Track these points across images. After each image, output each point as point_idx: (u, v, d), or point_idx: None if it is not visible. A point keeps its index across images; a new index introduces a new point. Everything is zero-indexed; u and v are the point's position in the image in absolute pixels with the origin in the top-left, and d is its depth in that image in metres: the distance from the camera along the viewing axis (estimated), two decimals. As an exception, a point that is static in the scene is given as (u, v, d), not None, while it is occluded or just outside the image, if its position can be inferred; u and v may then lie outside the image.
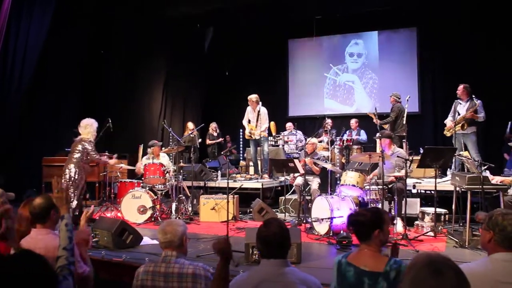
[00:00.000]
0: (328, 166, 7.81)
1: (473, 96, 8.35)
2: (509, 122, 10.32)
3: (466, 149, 8.42)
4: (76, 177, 7.11)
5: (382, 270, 2.60)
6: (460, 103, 8.52)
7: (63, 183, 7.03)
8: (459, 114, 8.43)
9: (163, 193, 8.34)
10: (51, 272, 2.13)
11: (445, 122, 8.84)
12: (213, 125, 12.61)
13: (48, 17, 9.64)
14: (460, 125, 8.35)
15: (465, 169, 7.81)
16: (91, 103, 11.50)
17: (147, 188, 8.16)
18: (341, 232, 6.12)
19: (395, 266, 2.58)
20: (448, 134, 8.69)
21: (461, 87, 8.52)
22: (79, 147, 7.17)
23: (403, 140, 9.12)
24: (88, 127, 7.34)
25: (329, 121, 11.49)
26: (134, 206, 7.84)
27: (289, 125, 12.23)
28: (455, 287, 1.52)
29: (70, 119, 7.59)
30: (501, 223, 2.49)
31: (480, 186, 5.76)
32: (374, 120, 9.54)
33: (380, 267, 2.61)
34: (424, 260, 1.60)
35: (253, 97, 9.91)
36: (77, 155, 7.16)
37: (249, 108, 10.03)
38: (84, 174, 7.30)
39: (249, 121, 10.01)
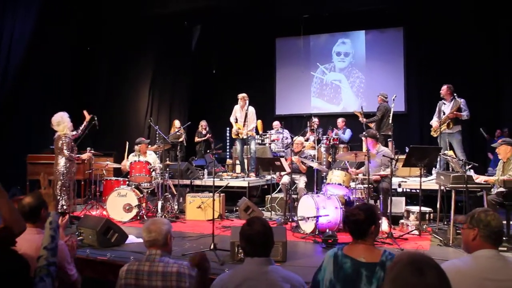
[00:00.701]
0: (314, 165, 7.84)
1: (455, 95, 8.43)
2: (480, 129, 10.49)
3: (451, 148, 8.49)
4: (63, 177, 7.09)
5: (378, 261, 2.62)
6: (445, 103, 8.60)
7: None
8: (444, 114, 8.51)
9: (149, 191, 8.30)
10: (26, 274, 2.11)
11: (430, 123, 8.89)
12: (203, 123, 12.55)
13: (34, 13, 9.55)
14: (445, 124, 8.42)
15: (450, 168, 7.88)
16: (78, 100, 11.41)
17: (133, 186, 8.12)
18: (327, 230, 6.14)
19: (390, 257, 2.63)
20: (435, 135, 8.76)
21: (444, 87, 8.60)
22: (63, 146, 7.13)
23: (389, 139, 9.17)
24: (60, 123, 7.19)
25: (315, 120, 11.52)
26: (119, 204, 7.80)
27: (276, 123, 12.23)
28: (436, 286, 1.52)
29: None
30: (485, 219, 2.55)
31: (464, 185, 5.81)
32: (360, 119, 9.59)
33: (376, 258, 2.65)
34: (406, 259, 1.60)
35: (245, 95, 9.88)
36: (61, 155, 7.12)
37: (237, 107, 10.01)
38: (73, 172, 7.30)
39: (236, 120, 9.99)
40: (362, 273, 2.62)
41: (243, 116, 9.85)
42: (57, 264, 2.75)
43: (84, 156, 7.87)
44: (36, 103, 10.39)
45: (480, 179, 6.16)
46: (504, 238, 5.76)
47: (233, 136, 10.25)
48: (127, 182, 8.27)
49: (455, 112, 8.32)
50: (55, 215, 2.83)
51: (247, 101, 9.86)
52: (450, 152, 7.95)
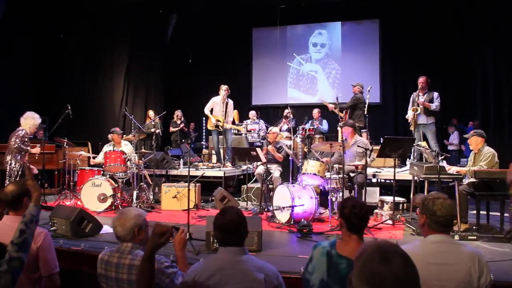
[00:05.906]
0: (290, 152, 7.91)
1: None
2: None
3: (424, 139, 8.59)
4: (12, 167, 7.24)
5: None
6: (419, 95, 8.66)
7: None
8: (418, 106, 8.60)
9: (124, 181, 8.23)
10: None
11: (406, 117, 8.91)
12: (178, 113, 12.47)
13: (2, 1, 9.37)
14: (420, 109, 8.50)
15: (423, 159, 7.98)
16: (49, 90, 11.20)
17: (108, 176, 8.04)
18: (302, 220, 6.17)
19: None
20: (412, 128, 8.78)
21: (424, 78, 8.63)
22: (13, 138, 7.27)
23: (363, 130, 9.20)
24: (28, 119, 7.41)
25: (289, 110, 11.59)
26: (94, 194, 7.72)
27: (252, 113, 12.21)
28: (403, 273, 1.53)
29: (27, 108, 7.51)
30: (432, 208, 2.69)
31: (437, 176, 5.90)
32: (329, 108, 9.70)
33: None
34: (372, 249, 1.61)
35: (228, 87, 9.78)
36: (11, 145, 7.26)
37: (217, 98, 9.81)
38: (21, 163, 7.32)
39: (211, 111, 9.85)
40: None
41: (223, 108, 9.76)
42: (23, 260, 2.66)
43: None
44: (2, 94, 10.12)
45: (452, 169, 6.26)
46: (474, 227, 5.90)
47: (210, 128, 10.08)
48: (102, 172, 8.19)
49: (425, 102, 8.43)
50: (32, 207, 2.76)
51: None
52: (424, 143, 8.05)
